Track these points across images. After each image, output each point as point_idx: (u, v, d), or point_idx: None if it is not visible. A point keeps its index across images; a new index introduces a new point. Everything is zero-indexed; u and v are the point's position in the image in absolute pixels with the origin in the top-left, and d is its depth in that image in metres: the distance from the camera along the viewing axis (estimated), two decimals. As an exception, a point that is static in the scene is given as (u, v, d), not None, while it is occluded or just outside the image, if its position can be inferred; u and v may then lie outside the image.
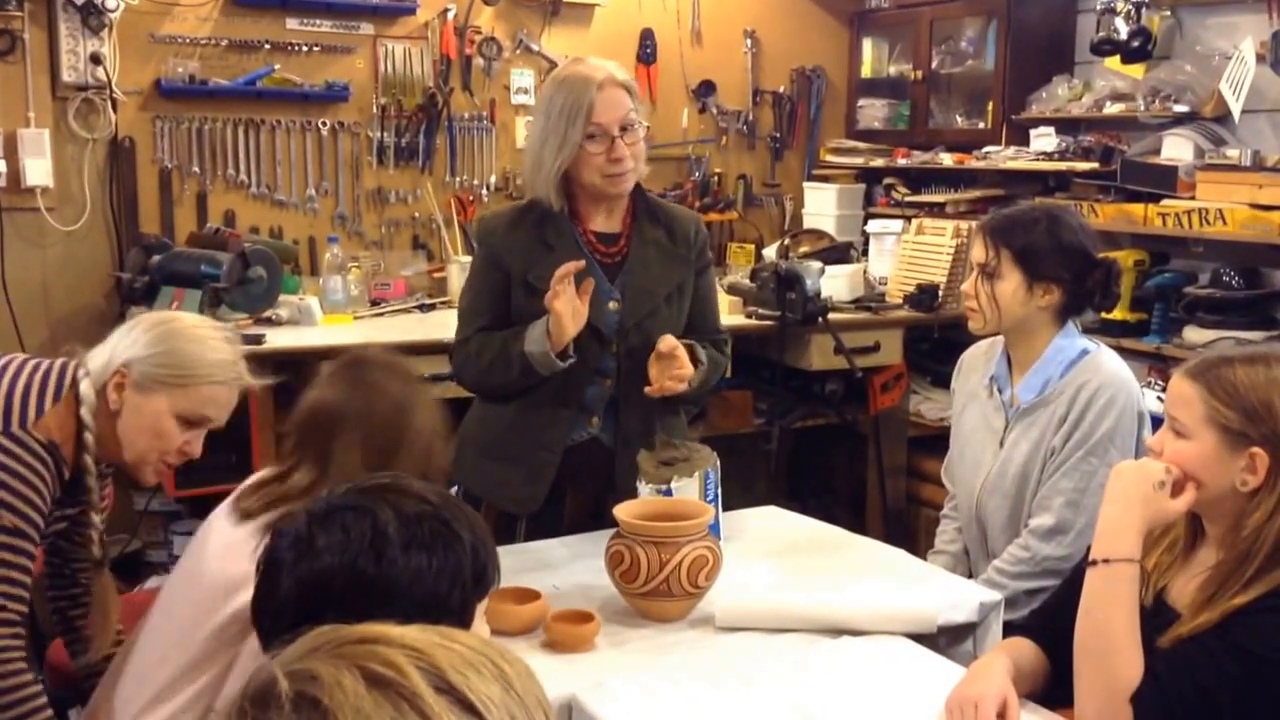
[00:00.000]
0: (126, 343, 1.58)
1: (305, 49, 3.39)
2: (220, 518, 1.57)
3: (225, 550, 1.49)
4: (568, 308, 1.81)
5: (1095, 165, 3.21)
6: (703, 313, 2.05)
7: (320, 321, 3.03)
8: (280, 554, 1.05)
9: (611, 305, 1.94)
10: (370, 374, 1.57)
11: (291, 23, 3.38)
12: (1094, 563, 1.36)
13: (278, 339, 2.82)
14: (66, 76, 3.11)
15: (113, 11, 3.10)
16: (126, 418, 1.57)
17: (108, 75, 3.14)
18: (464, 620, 1.04)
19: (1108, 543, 1.36)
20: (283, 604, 1.03)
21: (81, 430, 1.54)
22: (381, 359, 1.63)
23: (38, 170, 3.08)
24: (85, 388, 1.55)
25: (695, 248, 2.02)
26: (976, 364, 2.13)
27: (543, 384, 1.91)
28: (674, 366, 1.87)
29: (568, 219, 1.95)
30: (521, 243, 1.93)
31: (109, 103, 3.17)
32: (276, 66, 3.35)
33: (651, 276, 1.95)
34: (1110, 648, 1.32)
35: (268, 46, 3.35)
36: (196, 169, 3.32)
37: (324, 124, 3.44)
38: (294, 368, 2.85)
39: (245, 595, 1.27)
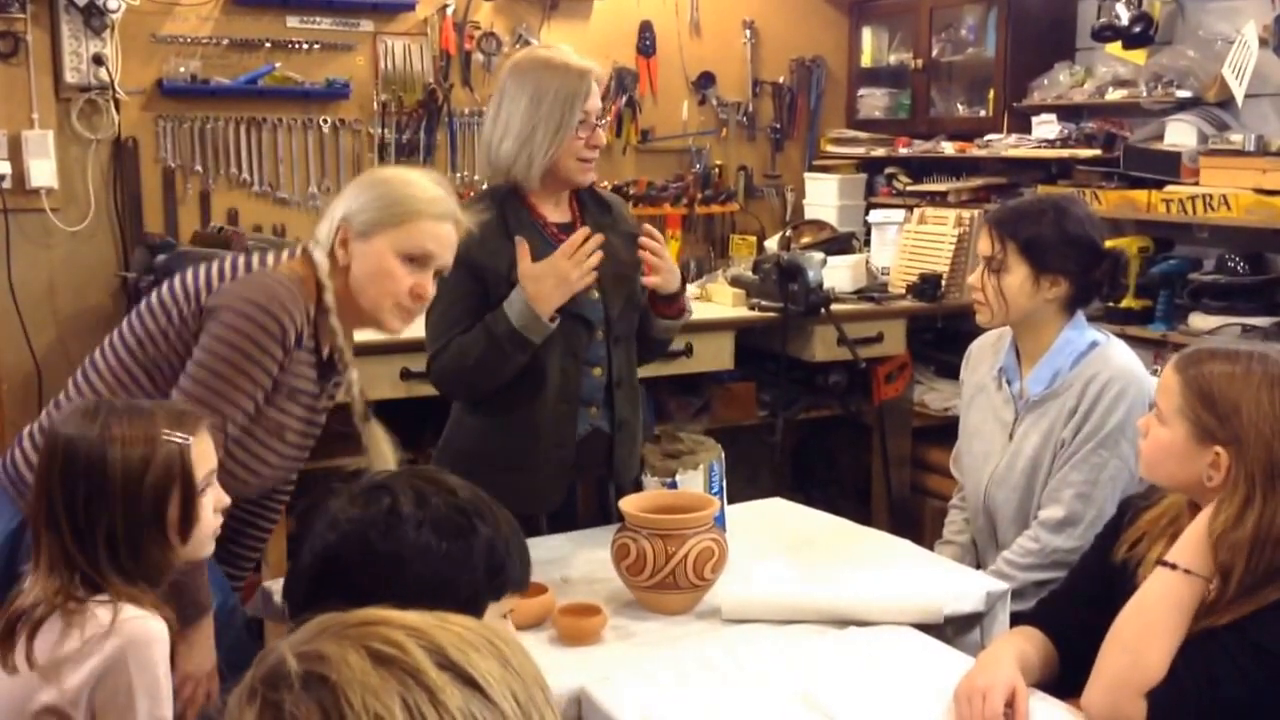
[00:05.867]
0: (342, 203, 1.66)
1: (306, 47, 3.40)
2: None
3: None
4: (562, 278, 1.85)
5: (1098, 152, 3.21)
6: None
7: (325, 319, 3.04)
8: (307, 530, 1.11)
9: (593, 294, 1.95)
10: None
11: (292, 21, 3.38)
12: (1169, 565, 1.35)
13: (283, 337, 2.83)
14: (69, 78, 3.12)
15: (114, 12, 3.10)
16: (356, 268, 1.65)
17: (110, 76, 3.14)
18: (473, 613, 1.06)
19: (1192, 555, 1.35)
20: (300, 575, 1.09)
21: (321, 291, 1.64)
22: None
23: (42, 171, 3.09)
24: (317, 253, 1.64)
25: (634, 227, 2.08)
26: (985, 355, 2.13)
27: (544, 382, 1.91)
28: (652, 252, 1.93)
29: (527, 212, 1.96)
30: (492, 243, 1.90)
31: (112, 103, 3.18)
32: (277, 65, 3.36)
33: (621, 262, 1.97)
34: (1148, 642, 1.32)
35: (268, 45, 3.35)
36: (199, 168, 3.33)
37: (325, 121, 3.45)
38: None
39: None
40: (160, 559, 1.36)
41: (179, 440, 1.36)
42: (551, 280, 1.84)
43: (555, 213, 1.99)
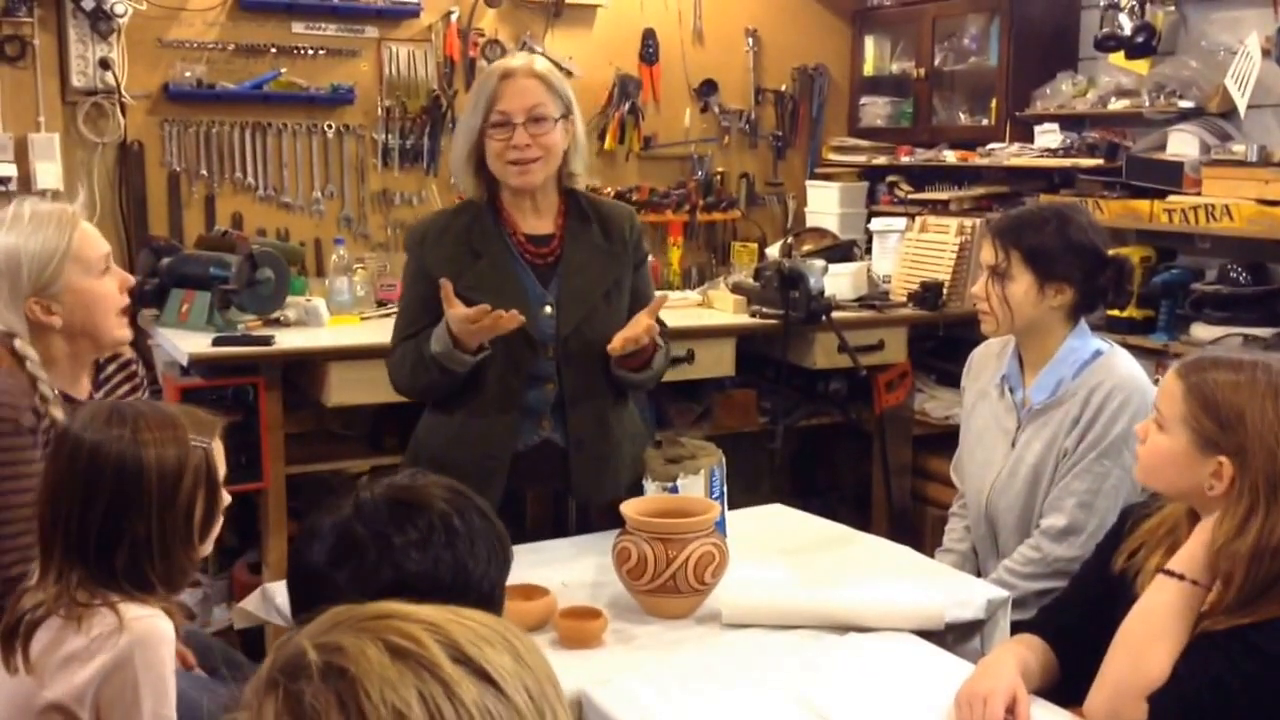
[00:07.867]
0: (8, 293, 1.65)
1: (311, 53, 3.41)
2: None
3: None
4: (463, 327, 1.80)
5: (1100, 162, 3.22)
6: (642, 307, 1.98)
7: (327, 323, 3.04)
8: (315, 549, 1.07)
9: (546, 310, 1.92)
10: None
11: (297, 27, 3.40)
12: (1174, 574, 1.36)
13: (286, 340, 2.83)
14: (76, 81, 3.14)
15: (121, 17, 3.12)
16: (70, 319, 1.68)
17: (116, 80, 3.16)
18: (499, 608, 1.09)
19: (1192, 563, 1.36)
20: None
21: (33, 379, 1.62)
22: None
23: (48, 174, 3.10)
24: (20, 345, 1.63)
25: (631, 243, 1.99)
26: (987, 363, 2.13)
27: (483, 391, 1.91)
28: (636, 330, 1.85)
29: (495, 223, 1.93)
30: (448, 251, 1.89)
31: (118, 107, 3.19)
32: (283, 70, 3.37)
33: (587, 279, 1.92)
34: (1150, 648, 1.33)
35: (274, 51, 3.37)
36: (204, 172, 3.34)
37: (329, 127, 3.46)
38: (302, 368, 2.88)
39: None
40: (186, 561, 1.37)
41: (204, 444, 1.38)
42: (468, 331, 1.81)
43: (533, 223, 1.94)
